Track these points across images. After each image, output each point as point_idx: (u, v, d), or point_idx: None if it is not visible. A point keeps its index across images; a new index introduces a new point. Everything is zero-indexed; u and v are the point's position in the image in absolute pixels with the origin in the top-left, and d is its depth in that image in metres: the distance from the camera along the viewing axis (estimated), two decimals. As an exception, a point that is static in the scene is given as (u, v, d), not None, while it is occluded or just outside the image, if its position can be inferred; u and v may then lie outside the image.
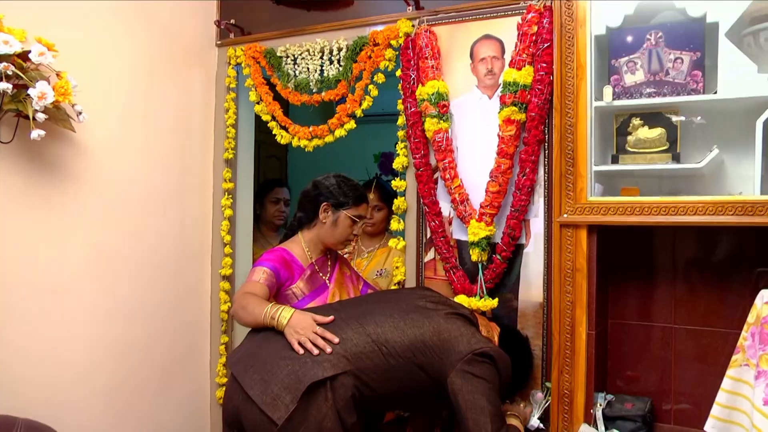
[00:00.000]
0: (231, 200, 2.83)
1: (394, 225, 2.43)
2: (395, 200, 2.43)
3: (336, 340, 1.67)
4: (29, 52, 1.84)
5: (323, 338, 1.68)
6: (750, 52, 1.80)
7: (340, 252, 2.35)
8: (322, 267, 2.17)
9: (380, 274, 2.72)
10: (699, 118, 1.93)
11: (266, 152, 4.62)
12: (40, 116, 1.84)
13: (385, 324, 1.75)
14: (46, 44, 1.89)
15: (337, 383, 1.62)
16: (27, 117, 1.83)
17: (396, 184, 2.42)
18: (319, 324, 1.73)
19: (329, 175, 2.17)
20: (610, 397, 2.08)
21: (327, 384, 1.61)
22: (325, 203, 2.11)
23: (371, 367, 1.68)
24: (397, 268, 2.44)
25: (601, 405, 2.02)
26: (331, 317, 1.75)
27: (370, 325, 1.74)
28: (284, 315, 1.75)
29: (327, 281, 2.17)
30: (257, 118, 2.82)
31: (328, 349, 1.64)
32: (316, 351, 1.64)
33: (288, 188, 3.31)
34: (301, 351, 1.65)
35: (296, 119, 2.70)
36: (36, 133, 1.84)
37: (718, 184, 1.93)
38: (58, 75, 1.94)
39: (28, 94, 1.81)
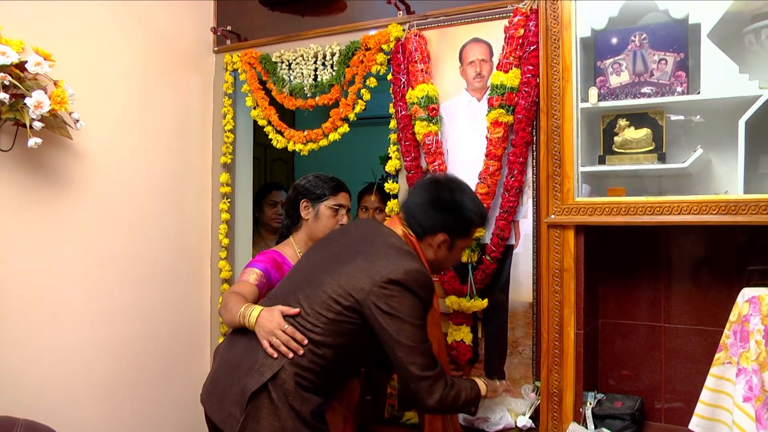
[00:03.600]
0: (229, 204, 2.87)
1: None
2: (389, 202, 2.46)
3: (305, 341, 1.65)
4: (26, 62, 1.89)
5: (294, 339, 1.65)
6: (750, 50, 1.81)
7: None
8: (314, 267, 2.20)
9: None
10: (699, 116, 1.94)
11: (272, 155, 4.67)
12: (37, 125, 1.90)
13: (311, 296, 1.70)
14: (43, 54, 1.94)
15: (278, 381, 1.62)
16: (25, 125, 1.88)
17: (389, 186, 2.44)
18: (286, 315, 1.69)
19: (306, 175, 2.21)
20: (600, 395, 2.10)
21: (268, 387, 1.61)
22: (303, 200, 2.15)
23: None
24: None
25: (590, 404, 2.03)
26: (297, 309, 1.69)
27: (295, 302, 1.72)
28: (253, 314, 1.73)
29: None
30: (261, 121, 2.86)
31: (301, 351, 1.64)
32: (290, 354, 1.63)
33: (285, 191, 3.34)
34: (275, 354, 1.64)
35: (303, 124, 2.71)
36: (33, 141, 1.89)
37: (705, 183, 1.94)
38: (55, 84, 1.99)
39: (25, 104, 1.87)
